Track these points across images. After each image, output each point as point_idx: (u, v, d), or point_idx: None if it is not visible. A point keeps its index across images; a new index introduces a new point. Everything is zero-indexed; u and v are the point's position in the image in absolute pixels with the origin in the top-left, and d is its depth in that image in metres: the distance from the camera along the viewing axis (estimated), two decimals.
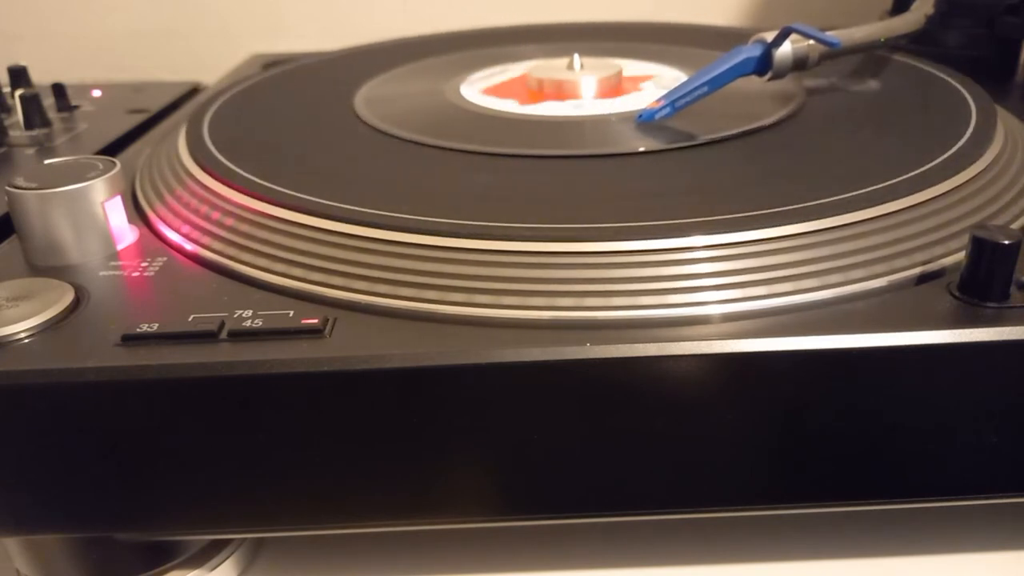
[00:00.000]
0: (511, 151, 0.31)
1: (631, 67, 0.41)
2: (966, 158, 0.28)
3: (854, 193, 0.26)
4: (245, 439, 0.23)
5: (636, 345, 0.22)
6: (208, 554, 0.27)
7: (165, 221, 0.29)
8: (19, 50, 0.61)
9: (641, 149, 0.31)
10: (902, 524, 0.28)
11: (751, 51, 0.33)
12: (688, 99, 0.33)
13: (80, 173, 0.27)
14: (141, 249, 0.28)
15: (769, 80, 0.34)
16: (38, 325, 0.23)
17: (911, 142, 0.30)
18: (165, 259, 0.27)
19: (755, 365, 0.22)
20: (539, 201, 0.27)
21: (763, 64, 0.34)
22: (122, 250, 0.28)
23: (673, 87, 0.34)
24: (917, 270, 0.24)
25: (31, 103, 0.43)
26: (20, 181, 0.27)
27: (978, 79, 0.37)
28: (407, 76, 0.43)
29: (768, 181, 0.28)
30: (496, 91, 0.39)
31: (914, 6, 0.39)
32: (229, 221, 0.27)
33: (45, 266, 0.27)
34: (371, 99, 0.39)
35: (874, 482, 0.24)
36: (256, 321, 0.23)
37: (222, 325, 0.23)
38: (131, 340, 0.23)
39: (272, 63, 0.51)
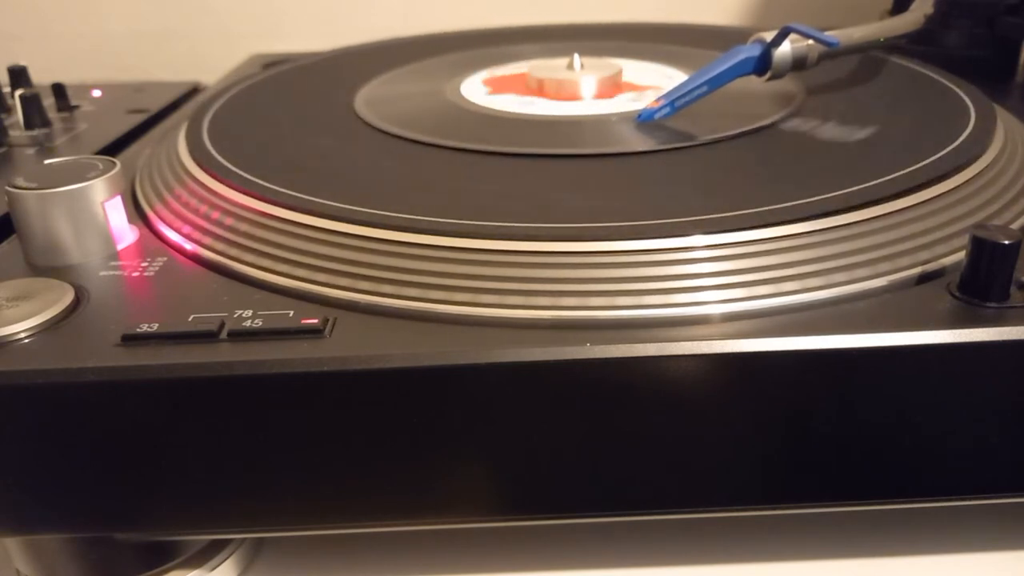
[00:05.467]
0: (511, 150, 0.31)
1: (633, 68, 0.41)
2: (966, 158, 0.28)
3: (853, 190, 0.26)
4: (245, 439, 0.23)
5: (637, 345, 0.22)
6: (208, 554, 0.27)
7: (165, 221, 0.29)
8: (19, 50, 0.61)
9: (640, 149, 0.31)
10: (902, 524, 0.28)
11: (750, 51, 0.34)
12: (688, 99, 0.33)
13: (80, 173, 0.27)
14: (141, 249, 0.28)
15: (768, 80, 0.34)
16: (38, 325, 0.23)
17: (910, 142, 0.30)
18: (165, 259, 0.27)
19: (755, 365, 0.22)
20: (538, 201, 0.27)
21: (762, 64, 0.34)
22: (122, 250, 0.28)
23: (673, 87, 0.34)
24: (917, 270, 0.24)
25: (31, 103, 0.43)
26: (20, 181, 0.27)
27: (978, 79, 0.37)
28: (407, 76, 0.43)
29: (767, 181, 0.28)
30: (497, 84, 0.39)
31: (914, 6, 0.39)
32: (229, 221, 0.27)
33: (45, 266, 0.27)
34: (371, 99, 0.39)
35: (874, 482, 0.24)
36: (256, 321, 0.23)
37: (222, 325, 0.23)
38: (131, 340, 0.23)
39: (272, 63, 0.51)
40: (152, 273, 0.26)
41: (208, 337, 0.23)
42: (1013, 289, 0.23)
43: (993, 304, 0.23)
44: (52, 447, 0.23)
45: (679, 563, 0.27)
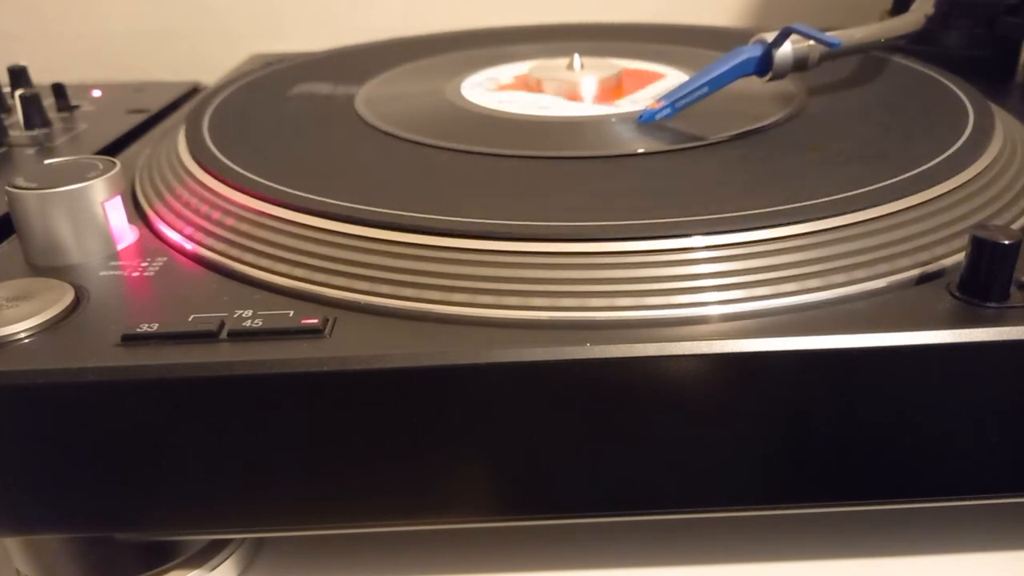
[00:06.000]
0: (511, 151, 0.31)
1: (632, 67, 0.41)
2: (966, 158, 0.28)
3: (854, 193, 0.26)
4: (245, 439, 0.23)
5: (636, 345, 0.22)
6: (208, 554, 0.27)
7: (165, 221, 0.29)
8: (19, 50, 0.61)
9: (641, 150, 0.31)
10: (902, 524, 0.28)
11: (751, 51, 0.34)
12: (689, 100, 0.33)
13: (80, 173, 0.27)
14: (141, 249, 0.28)
15: (769, 80, 0.34)
16: (38, 325, 0.23)
17: (911, 143, 0.30)
18: (165, 259, 0.27)
19: (755, 365, 0.22)
20: (538, 201, 0.27)
21: (763, 64, 0.34)
22: (122, 250, 0.28)
23: (674, 87, 0.34)
24: (917, 270, 0.24)
25: (31, 103, 0.43)
26: (20, 181, 0.27)
27: (978, 79, 0.37)
28: (407, 76, 0.43)
29: (768, 181, 0.28)
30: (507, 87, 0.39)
31: (914, 6, 0.39)
32: (229, 221, 0.27)
33: (45, 266, 0.27)
34: (371, 99, 0.39)
35: (874, 482, 0.24)
36: (256, 321, 0.23)
37: (222, 325, 0.23)
38: (131, 340, 0.23)
39: (272, 63, 0.51)
40: (152, 273, 0.26)
41: (208, 337, 0.23)
42: (1013, 289, 0.23)
43: (993, 304, 0.23)
44: (52, 447, 0.23)
45: (679, 563, 0.27)
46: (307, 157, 0.32)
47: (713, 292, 0.23)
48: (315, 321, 0.23)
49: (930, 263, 0.24)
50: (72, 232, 0.27)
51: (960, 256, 0.23)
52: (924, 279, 0.24)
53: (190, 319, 0.23)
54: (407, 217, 0.25)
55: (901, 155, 0.29)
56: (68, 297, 0.24)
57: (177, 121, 0.40)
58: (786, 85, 0.36)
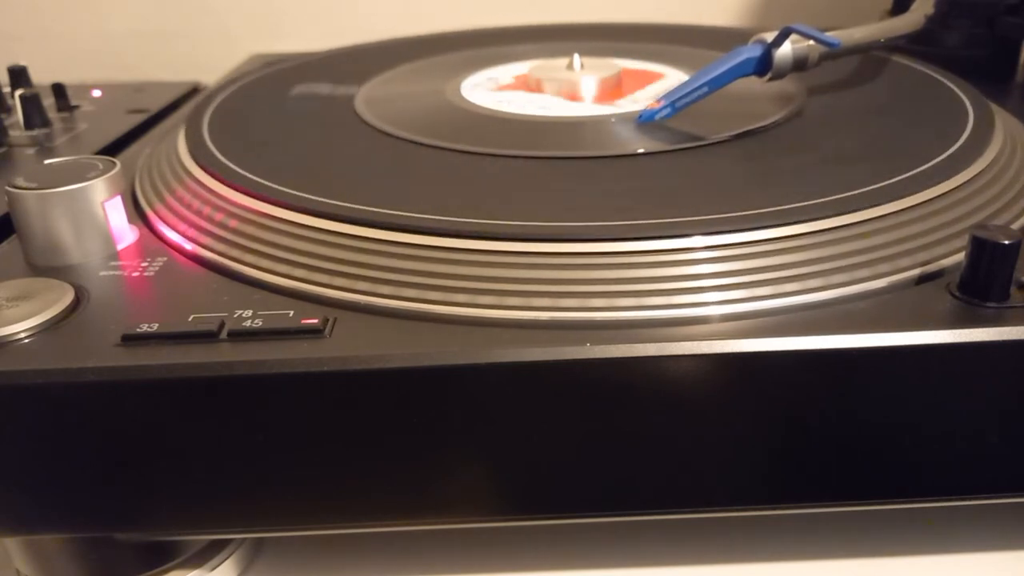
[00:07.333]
0: (511, 151, 0.31)
1: (631, 67, 0.41)
2: (966, 158, 0.28)
3: (854, 193, 0.26)
4: (245, 439, 0.23)
5: (637, 345, 0.22)
6: (208, 554, 0.27)
7: (165, 221, 0.29)
8: (19, 50, 0.61)
9: (641, 150, 0.31)
10: (902, 524, 0.28)
11: (751, 51, 0.34)
12: (688, 99, 0.33)
13: (80, 173, 0.27)
14: (141, 249, 0.28)
15: (769, 80, 0.34)
16: (38, 325, 0.23)
17: (911, 142, 0.30)
18: (165, 259, 0.27)
19: (755, 365, 0.22)
20: (538, 201, 0.27)
21: (763, 64, 0.34)
22: (122, 250, 0.28)
23: (674, 87, 0.34)
24: (917, 270, 0.24)
25: (31, 103, 0.43)
26: (20, 181, 0.27)
27: (978, 79, 0.37)
28: (407, 76, 0.43)
29: (769, 181, 0.28)
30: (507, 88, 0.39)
31: (914, 6, 0.39)
32: (229, 221, 0.27)
33: (45, 266, 0.27)
34: (371, 99, 0.39)
35: (874, 482, 0.24)
36: (256, 321, 0.23)
37: (222, 325, 0.23)
38: (131, 340, 0.23)
39: (272, 63, 0.51)
40: (152, 273, 0.26)
41: (208, 337, 0.23)
42: (1013, 289, 0.23)
43: (993, 304, 0.23)
44: (52, 447, 0.23)
45: (679, 563, 0.27)
46: (307, 157, 0.32)
47: (713, 292, 0.23)
48: (315, 321, 0.23)
49: (930, 263, 0.24)
50: (72, 232, 0.27)
51: (960, 256, 0.23)
52: (924, 279, 0.24)
53: (190, 319, 0.23)
54: (407, 217, 0.25)
55: (901, 155, 0.29)
56: (68, 297, 0.24)
57: (177, 121, 0.40)
58: (786, 85, 0.36)
